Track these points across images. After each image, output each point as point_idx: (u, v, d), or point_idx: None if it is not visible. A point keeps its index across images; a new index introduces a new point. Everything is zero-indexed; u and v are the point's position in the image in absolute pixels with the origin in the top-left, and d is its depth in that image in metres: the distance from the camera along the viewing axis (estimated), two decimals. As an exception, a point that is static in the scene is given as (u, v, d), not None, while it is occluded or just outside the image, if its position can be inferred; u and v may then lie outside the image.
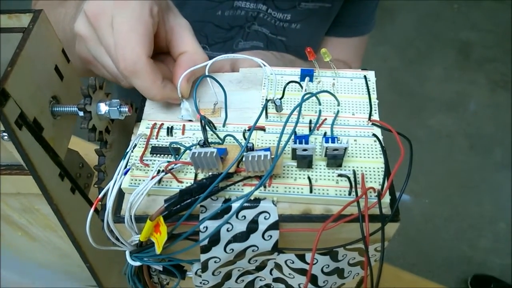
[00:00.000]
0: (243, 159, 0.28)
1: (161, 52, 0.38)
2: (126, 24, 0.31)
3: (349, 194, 0.31)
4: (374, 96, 0.36)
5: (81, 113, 0.32)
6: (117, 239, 0.30)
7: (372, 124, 0.35)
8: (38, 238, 0.45)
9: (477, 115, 1.90)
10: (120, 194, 0.33)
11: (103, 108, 0.33)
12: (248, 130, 0.34)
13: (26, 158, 0.30)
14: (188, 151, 0.32)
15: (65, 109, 0.32)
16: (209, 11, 0.59)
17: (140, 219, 0.31)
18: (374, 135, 0.34)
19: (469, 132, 1.83)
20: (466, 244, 1.53)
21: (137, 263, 0.31)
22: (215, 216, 0.30)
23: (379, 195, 0.29)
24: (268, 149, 0.30)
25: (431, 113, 1.90)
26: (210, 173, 0.30)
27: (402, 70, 2.05)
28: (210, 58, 0.36)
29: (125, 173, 0.28)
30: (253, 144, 0.30)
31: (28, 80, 0.30)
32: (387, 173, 0.32)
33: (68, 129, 0.36)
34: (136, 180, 0.32)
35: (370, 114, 0.35)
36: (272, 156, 0.30)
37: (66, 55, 0.36)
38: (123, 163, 0.29)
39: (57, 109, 0.33)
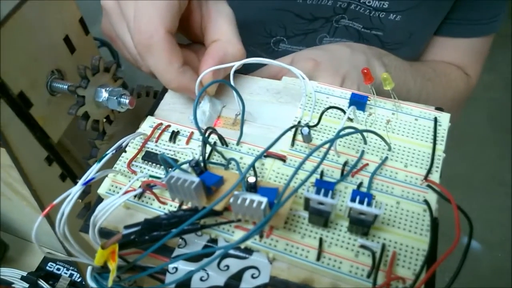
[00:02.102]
0: (231, 199, 0.21)
1: (196, 42, 0.33)
2: None
3: (368, 276, 0.22)
4: (441, 147, 0.27)
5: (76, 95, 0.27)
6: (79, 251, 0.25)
7: (428, 185, 0.26)
8: (39, 211, 0.42)
9: None
10: (100, 199, 0.28)
11: (103, 94, 0.28)
12: (265, 157, 0.27)
13: (2, 135, 0.26)
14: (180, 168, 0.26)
15: (60, 86, 0.28)
16: None
17: (108, 234, 0.26)
18: (426, 202, 0.25)
19: None
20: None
21: (94, 285, 0.26)
22: (191, 258, 0.24)
23: (406, 294, 0.21)
24: (273, 190, 0.23)
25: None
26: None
27: (506, 104, 1.81)
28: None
29: (85, 184, 0.23)
30: (256, 179, 0.23)
31: (19, 46, 0.26)
32: (430, 259, 0.23)
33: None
34: (116, 187, 0.27)
35: (429, 172, 0.26)
36: (276, 201, 0.23)
37: (85, 26, 0.31)
38: (93, 168, 0.24)
39: (56, 85, 0.29)
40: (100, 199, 0.28)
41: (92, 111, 0.28)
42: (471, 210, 0.23)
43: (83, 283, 0.52)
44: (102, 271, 0.26)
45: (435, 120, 0.29)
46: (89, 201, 0.31)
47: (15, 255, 0.52)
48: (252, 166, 0.24)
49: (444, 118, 0.29)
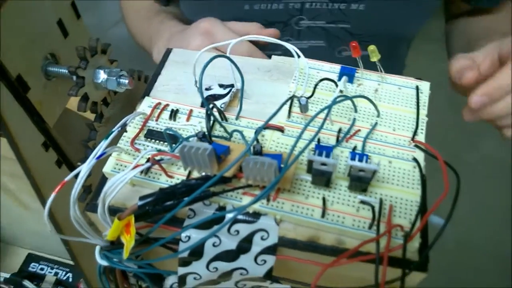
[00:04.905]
0: (243, 163, 0.23)
1: None
2: None
3: (370, 227, 0.24)
4: (424, 112, 0.30)
5: (74, 77, 0.28)
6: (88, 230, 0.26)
7: (415, 145, 0.28)
8: (28, 206, 0.42)
9: (540, 148, 1.72)
10: (104, 178, 0.28)
11: (101, 75, 0.28)
12: (264, 129, 0.29)
13: (2, 120, 0.26)
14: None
15: (57, 70, 0.28)
16: (236, 6, 0.49)
17: (116, 211, 0.26)
18: (415, 159, 0.27)
19: (530, 165, 1.67)
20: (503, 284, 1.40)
21: (104, 263, 0.26)
22: (202, 225, 0.25)
23: (406, 238, 0.23)
24: (278, 156, 0.25)
25: (488, 138, 1.74)
26: (203, 173, 0.25)
27: (463, 88, 1.90)
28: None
29: (98, 158, 0.23)
30: (261, 147, 0.25)
31: (15, 30, 0.26)
32: (422, 209, 0.25)
33: (64, 94, 0.32)
34: (121, 165, 0.27)
35: (415, 133, 0.28)
36: (282, 165, 0.24)
37: (77, 10, 0.31)
38: (102, 144, 0.24)
39: (51, 69, 0.29)
40: (104, 179, 0.28)
41: (91, 93, 0.29)
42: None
43: (70, 280, 0.51)
44: (111, 248, 0.27)
45: (417, 88, 0.31)
46: (90, 184, 0.31)
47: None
48: (256, 135, 0.25)
49: (425, 86, 0.31)
